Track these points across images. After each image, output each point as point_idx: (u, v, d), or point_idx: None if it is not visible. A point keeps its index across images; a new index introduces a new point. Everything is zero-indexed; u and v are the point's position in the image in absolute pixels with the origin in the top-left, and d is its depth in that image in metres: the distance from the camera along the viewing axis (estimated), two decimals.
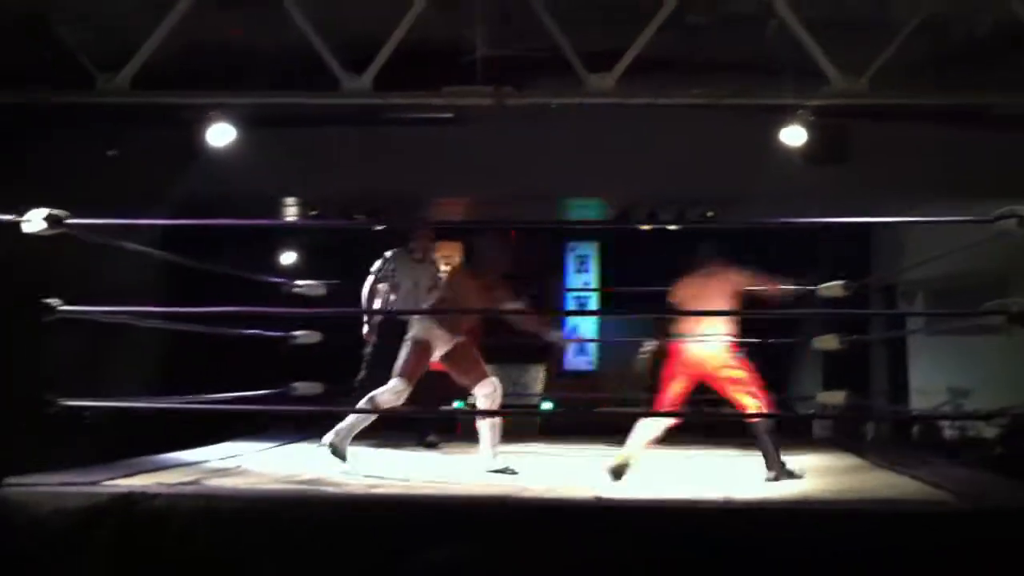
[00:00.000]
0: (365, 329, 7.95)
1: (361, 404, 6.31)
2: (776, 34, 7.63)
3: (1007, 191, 8.39)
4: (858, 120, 8.49)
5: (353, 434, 6.23)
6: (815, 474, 6.28)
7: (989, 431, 8.43)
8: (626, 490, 5.32)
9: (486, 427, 6.46)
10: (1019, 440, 7.85)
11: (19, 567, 4.49)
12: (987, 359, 9.51)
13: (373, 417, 6.35)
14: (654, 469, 6.57)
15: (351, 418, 6.23)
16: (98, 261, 8.14)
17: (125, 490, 4.72)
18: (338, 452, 6.10)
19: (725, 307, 6.40)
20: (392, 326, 7.60)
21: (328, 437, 6.15)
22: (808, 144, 7.85)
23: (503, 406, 7.03)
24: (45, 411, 5.22)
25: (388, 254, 6.73)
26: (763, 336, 9.06)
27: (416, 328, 6.55)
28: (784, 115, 7.73)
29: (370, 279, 6.61)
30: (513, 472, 6.33)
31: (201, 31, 7.88)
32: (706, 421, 9.13)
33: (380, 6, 7.54)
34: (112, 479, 5.16)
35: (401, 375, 6.38)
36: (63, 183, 8.48)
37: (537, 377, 11.95)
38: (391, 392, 6.30)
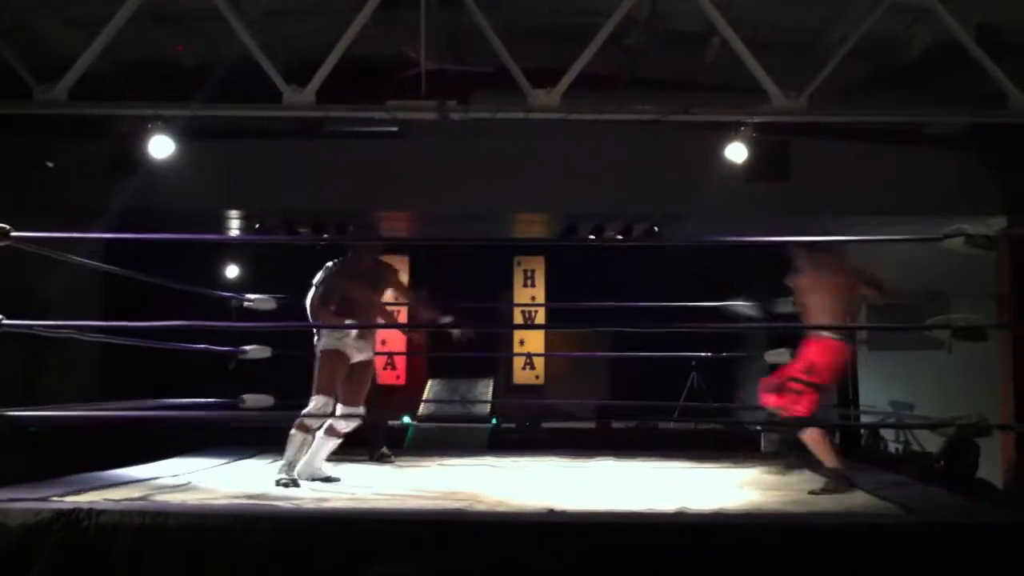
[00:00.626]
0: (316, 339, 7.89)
1: (293, 430, 6.21)
2: (717, 53, 7.75)
3: (942, 208, 8.62)
4: (798, 138, 8.63)
5: (299, 461, 6.18)
6: (765, 487, 6.33)
7: (932, 445, 8.56)
8: (579, 502, 5.32)
9: (297, 437, 6.23)
10: (960, 454, 7.97)
11: None
12: (930, 374, 9.69)
13: (311, 440, 6.28)
14: (613, 481, 6.59)
15: (289, 451, 6.15)
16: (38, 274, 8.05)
17: (71, 506, 4.63)
18: (291, 484, 6.03)
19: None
20: None
21: (277, 477, 6.08)
22: (750, 161, 7.96)
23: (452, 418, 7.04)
24: None
25: (330, 264, 6.71)
26: (715, 349, 9.18)
27: (326, 339, 6.47)
28: (726, 132, 7.83)
29: (312, 290, 6.58)
30: (296, 485, 6.10)
31: (142, 44, 7.81)
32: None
33: (323, 20, 7.55)
34: (58, 495, 5.07)
35: (320, 391, 6.32)
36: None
37: (485, 391, 11.96)
38: (317, 411, 6.24)
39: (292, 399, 6.96)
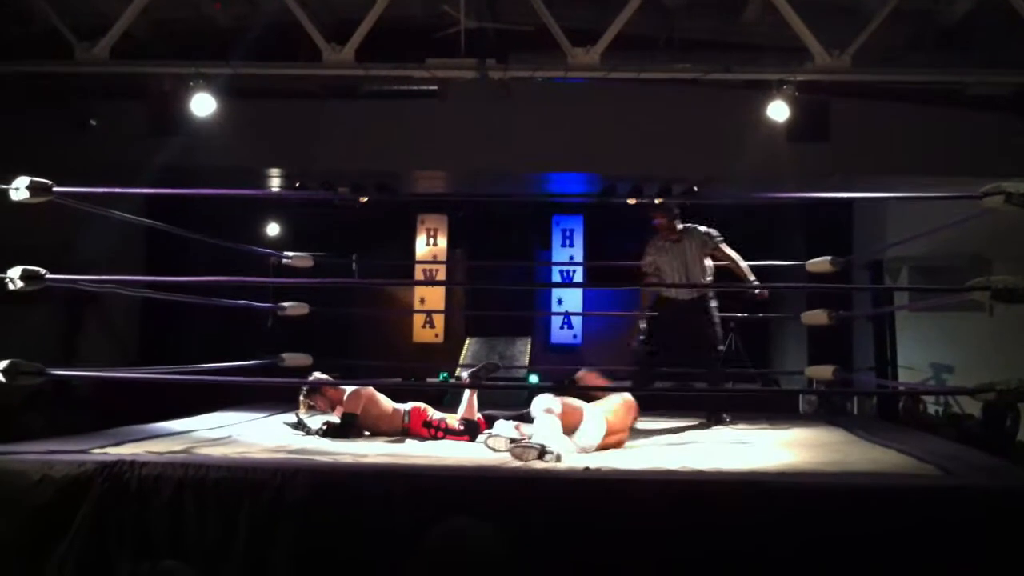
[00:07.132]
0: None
1: None
2: (758, 12, 7.67)
3: (984, 169, 8.51)
4: (839, 99, 8.54)
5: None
6: (803, 447, 6.29)
7: (972, 408, 8.49)
8: (614, 462, 5.32)
9: None
10: (1000, 417, 7.91)
11: (5, 535, 4.48)
12: (970, 336, 9.62)
13: None
14: (650, 441, 6.57)
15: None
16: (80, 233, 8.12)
17: (114, 458, 4.69)
18: None
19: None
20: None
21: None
22: (790, 121, 7.86)
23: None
24: (32, 381, 5.19)
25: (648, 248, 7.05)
26: (752, 311, 9.14)
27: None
28: (765, 92, 7.74)
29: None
30: None
31: (178, 3, 7.84)
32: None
33: None
34: (100, 448, 5.14)
35: None
36: (43, 152, 8.46)
37: (523, 350, 11.99)
38: None
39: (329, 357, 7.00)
